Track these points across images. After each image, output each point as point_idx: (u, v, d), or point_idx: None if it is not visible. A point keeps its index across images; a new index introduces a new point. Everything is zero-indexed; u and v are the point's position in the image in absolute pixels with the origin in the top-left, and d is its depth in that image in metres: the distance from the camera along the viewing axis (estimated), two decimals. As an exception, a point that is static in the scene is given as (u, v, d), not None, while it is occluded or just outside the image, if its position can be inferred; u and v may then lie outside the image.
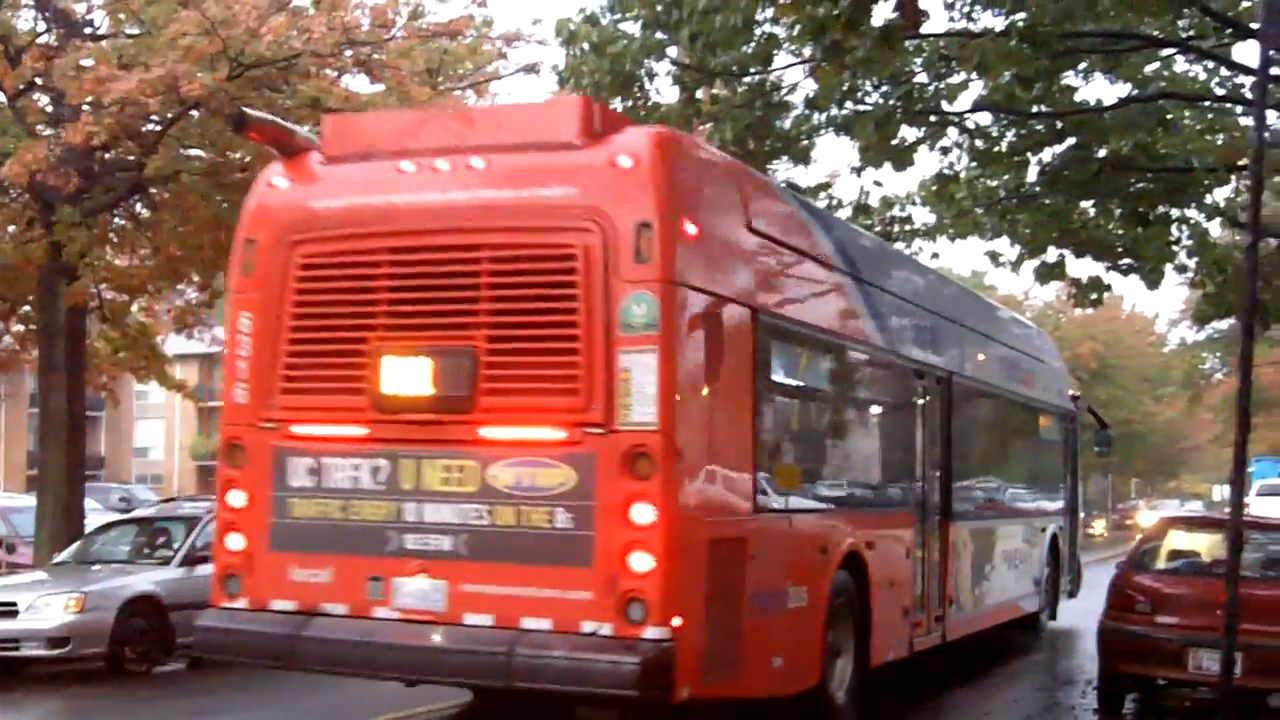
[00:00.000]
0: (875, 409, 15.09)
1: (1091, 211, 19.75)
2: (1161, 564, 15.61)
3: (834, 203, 18.71)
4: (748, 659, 10.79)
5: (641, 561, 9.64)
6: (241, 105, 17.00)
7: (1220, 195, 19.95)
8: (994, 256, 20.49)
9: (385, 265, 10.69)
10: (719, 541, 10.35)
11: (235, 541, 11.09)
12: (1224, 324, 50.23)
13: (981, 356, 18.07)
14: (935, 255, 20.65)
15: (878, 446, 15.12)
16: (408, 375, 10.47)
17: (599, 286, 9.91)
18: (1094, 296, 20.58)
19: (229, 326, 11.33)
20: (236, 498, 11.15)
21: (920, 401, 15.85)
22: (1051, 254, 20.20)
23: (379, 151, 10.98)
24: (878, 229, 19.10)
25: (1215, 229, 21.00)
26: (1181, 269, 21.01)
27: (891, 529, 14.64)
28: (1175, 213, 19.63)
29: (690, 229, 10.15)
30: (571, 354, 9.99)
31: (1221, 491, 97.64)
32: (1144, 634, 14.47)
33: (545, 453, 10.05)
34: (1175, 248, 20.06)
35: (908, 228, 19.39)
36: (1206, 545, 15.90)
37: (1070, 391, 23.89)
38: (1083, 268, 39.66)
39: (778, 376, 11.90)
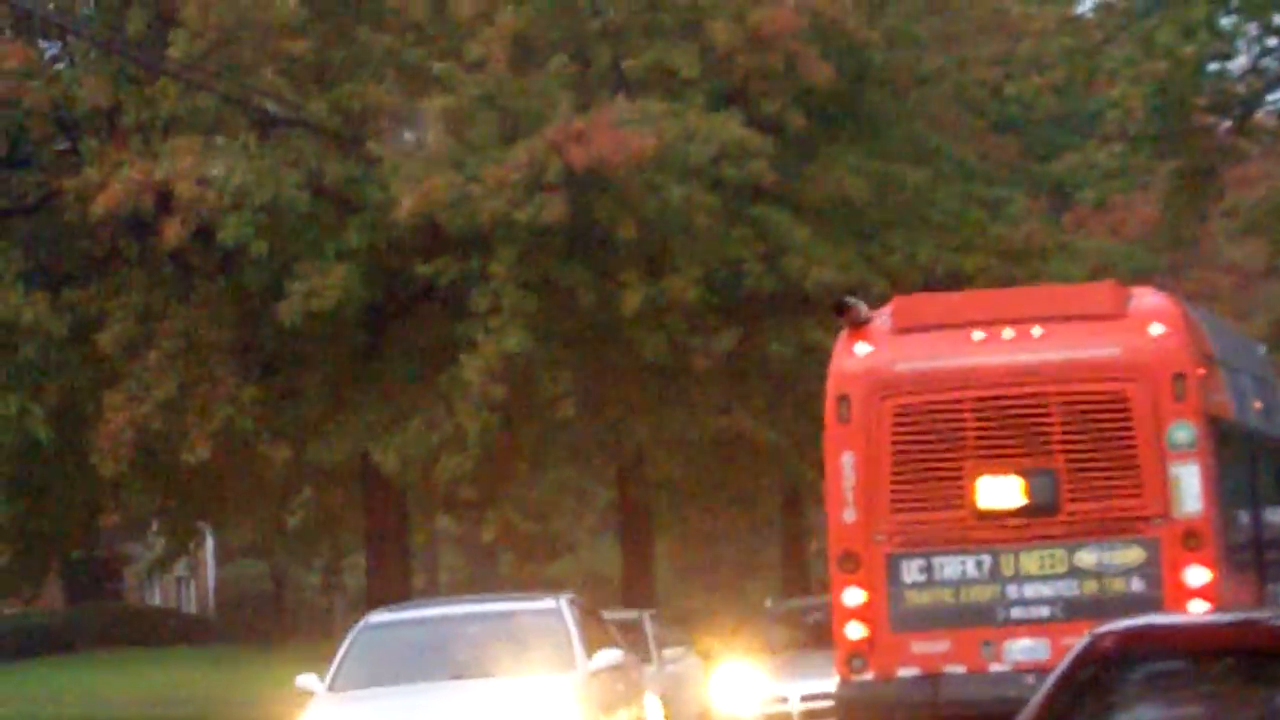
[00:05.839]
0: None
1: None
2: None
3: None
4: None
5: (1198, 608, 13.71)
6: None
7: None
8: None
9: (969, 412, 14.72)
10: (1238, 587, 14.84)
11: (855, 630, 14.68)
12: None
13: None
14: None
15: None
16: (1000, 492, 14.55)
17: (1149, 420, 14.34)
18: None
19: (829, 462, 14.95)
20: (854, 596, 14.67)
21: None
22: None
23: (948, 324, 15.08)
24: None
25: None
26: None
27: None
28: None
29: (1201, 373, 14.68)
30: (1134, 469, 14.45)
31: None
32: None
33: (1121, 540, 14.39)
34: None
35: None
36: None
37: None
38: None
39: (1232, 466, 15.59)
